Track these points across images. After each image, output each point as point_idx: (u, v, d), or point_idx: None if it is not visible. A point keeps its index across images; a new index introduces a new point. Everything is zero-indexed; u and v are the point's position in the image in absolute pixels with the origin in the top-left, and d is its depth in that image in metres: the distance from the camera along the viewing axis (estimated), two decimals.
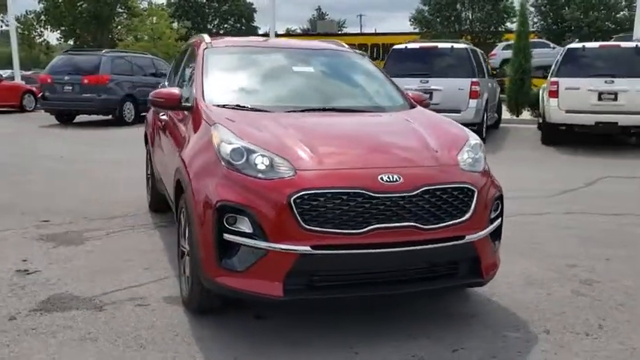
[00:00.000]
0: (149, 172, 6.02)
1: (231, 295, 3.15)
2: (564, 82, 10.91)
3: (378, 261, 3.02)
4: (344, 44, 4.98)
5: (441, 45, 11.99)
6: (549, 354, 3.10)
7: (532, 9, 34.16)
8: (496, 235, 3.45)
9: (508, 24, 34.64)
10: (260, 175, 3.04)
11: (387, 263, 3.06)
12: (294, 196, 2.91)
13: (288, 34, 64.90)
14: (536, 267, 4.46)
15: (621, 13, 33.93)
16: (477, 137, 3.64)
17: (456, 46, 11.66)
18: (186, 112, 4.04)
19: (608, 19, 33.16)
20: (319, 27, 58.71)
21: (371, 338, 3.22)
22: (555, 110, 10.94)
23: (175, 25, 24.59)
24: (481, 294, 3.83)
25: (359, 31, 65.65)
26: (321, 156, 3.13)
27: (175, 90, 4.02)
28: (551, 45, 28.99)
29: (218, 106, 3.79)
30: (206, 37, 4.69)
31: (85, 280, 4.05)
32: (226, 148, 3.16)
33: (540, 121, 12.85)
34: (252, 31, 43.21)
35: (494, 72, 19.06)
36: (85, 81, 14.35)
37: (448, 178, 3.19)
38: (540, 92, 14.76)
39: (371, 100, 4.33)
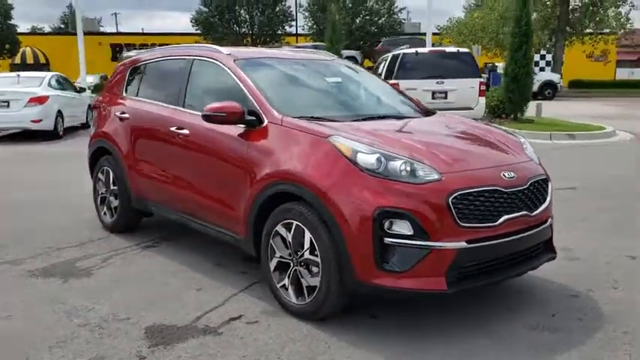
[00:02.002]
0: (105, 192, 5.55)
1: (389, 295, 3.36)
2: (403, 83, 12.28)
3: (509, 247, 3.49)
4: (334, 55, 5.26)
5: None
6: (613, 305, 3.88)
7: (306, 13, 36.70)
8: None
9: (287, 27, 36.79)
10: (406, 179, 3.29)
11: (515, 248, 3.54)
12: (451, 197, 3.25)
13: (35, 32, 59.41)
14: None
15: (382, 19, 38.24)
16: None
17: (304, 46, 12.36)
18: (241, 126, 4.00)
19: (373, 24, 37.11)
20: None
21: (479, 319, 3.69)
22: None
23: None
24: None
25: (116, 30, 62.91)
26: (449, 159, 3.48)
27: (236, 104, 3.94)
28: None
29: (294, 118, 3.86)
30: (222, 48, 4.59)
31: (152, 309, 3.79)
32: (367, 157, 3.33)
33: None
34: (11, 30, 38.63)
35: None
36: None
37: (537, 171, 3.80)
38: None
39: (405, 106, 4.71)
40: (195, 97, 4.60)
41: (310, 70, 4.75)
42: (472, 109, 12.35)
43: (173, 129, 4.57)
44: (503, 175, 3.50)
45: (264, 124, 3.90)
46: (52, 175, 8.88)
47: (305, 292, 3.57)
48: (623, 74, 45.06)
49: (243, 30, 37.24)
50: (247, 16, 36.88)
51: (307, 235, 3.49)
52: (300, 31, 39.02)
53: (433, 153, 3.51)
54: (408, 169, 3.32)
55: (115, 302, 3.90)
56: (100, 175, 5.62)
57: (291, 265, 3.64)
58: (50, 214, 6.29)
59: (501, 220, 3.40)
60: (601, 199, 7.07)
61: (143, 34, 49.65)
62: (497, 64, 30.35)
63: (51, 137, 13.13)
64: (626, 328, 3.53)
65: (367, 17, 36.62)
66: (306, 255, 3.53)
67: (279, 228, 3.67)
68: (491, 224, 3.37)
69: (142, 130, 5.03)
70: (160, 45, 36.02)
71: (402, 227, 3.22)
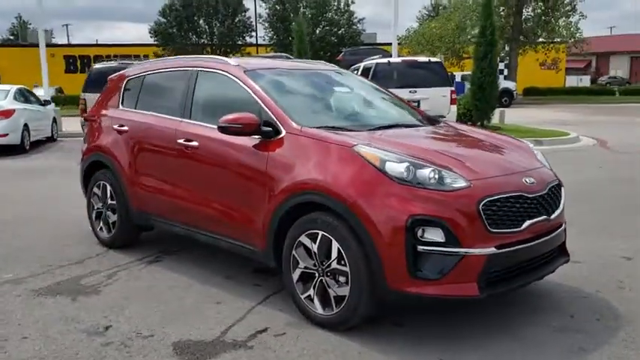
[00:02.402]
0: (102, 207, 5.41)
1: (421, 302, 3.38)
2: None
3: (533, 251, 3.56)
4: (335, 66, 5.30)
5: None
6: (626, 305, 3.99)
7: (266, 24, 36.73)
8: None
9: (247, 38, 36.71)
10: (435, 187, 3.32)
11: (537, 252, 3.62)
12: (481, 203, 3.30)
13: None
14: None
15: (342, 30, 38.62)
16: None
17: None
18: (256, 137, 3.97)
19: (332, 34, 37.44)
20: (30, 37, 54.03)
21: (502, 324, 3.75)
22: None
23: None
24: None
25: (67, 42, 61.81)
26: (472, 166, 3.53)
27: (252, 115, 3.92)
28: (292, 58, 31.58)
29: (313, 128, 3.85)
30: (229, 60, 4.55)
31: (173, 325, 3.71)
32: (396, 166, 3.35)
33: None
34: None
35: None
36: None
37: (552, 176, 3.90)
38: None
39: (411, 116, 4.75)
40: (203, 109, 4.53)
41: (318, 80, 4.76)
42: (444, 116, 12.54)
43: (181, 141, 4.50)
44: (525, 180, 3.58)
45: (282, 134, 3.88)
46: (31, 191, 8.58)
47: (332, 302, 3.55)
48: (572, 81, 46.76)
49: (203, 41, 37.01)
50: (207, 27, 36.74)
51: (334, 245, 3.48)
52: (260, 41, 39.09)
53: (458, 160, 3.56)
54: (437, 176, 3.35)
55: (132, 319, 3.81)
56: (95, 190, 5.47)
57: (317, 275, 3.62)
58: (40, 231, 6.08)
59: (526, 224, 3.47)
60: (580, 203, 7.25)
61: (97, 45, 48.77)
62: (454, 73, 30.98)
63: (16, 152, 12.73)
64: None
65: (327, 28, 36.96)
66: (334, 265, 3.51)
67: (303, 238, 3.65)
68: (517, 229, 3.44)
69: (144, 143, 4.92)
70: (114, 56, 35.46)
71: (435, 235, 3.25)
